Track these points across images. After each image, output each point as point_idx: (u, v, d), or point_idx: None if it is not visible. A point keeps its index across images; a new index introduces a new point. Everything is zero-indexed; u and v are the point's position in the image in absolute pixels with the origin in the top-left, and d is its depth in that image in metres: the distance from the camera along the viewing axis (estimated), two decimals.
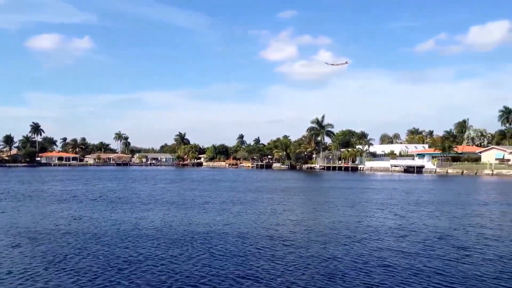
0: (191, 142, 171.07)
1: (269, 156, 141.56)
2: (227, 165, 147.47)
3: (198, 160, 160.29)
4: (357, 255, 15.24)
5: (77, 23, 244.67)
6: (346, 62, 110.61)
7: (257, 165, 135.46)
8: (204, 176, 76.88)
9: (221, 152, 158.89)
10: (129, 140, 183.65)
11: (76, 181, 58.80)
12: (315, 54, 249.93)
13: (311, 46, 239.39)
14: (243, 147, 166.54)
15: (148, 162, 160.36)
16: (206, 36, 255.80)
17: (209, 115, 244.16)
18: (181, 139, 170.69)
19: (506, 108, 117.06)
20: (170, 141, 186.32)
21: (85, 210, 26.99)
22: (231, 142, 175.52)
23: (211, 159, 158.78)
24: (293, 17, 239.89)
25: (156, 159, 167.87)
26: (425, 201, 33.41)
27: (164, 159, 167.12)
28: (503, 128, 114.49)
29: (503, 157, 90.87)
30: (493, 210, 28.47)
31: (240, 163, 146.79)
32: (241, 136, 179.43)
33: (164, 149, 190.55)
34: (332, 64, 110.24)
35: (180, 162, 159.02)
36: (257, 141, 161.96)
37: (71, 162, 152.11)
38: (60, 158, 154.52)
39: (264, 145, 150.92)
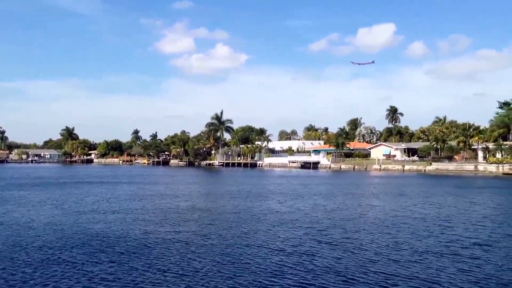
0: (81, 137, 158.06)
1: (166, 153, 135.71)
2: (120, 161, 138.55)
3: (88, 157, 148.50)
4: (217, 250, 14.89)
5: None
6: (373, 61, 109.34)
7: (153, 161, 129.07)
8: (89, 174, 70.43)
9: (115, 148, 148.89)
10: (6, 135, 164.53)
11: None
12: (213, 48, 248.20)
13: (208, 40, 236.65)
14: (139, 142, 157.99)
15: (30, 159, 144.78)
16: (98, 22, 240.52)
17: (101, 109, 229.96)
18: (69, 134, 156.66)
19: (392, 107, 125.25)
20: (56, 136, 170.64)
21: None
22: (126, 138, 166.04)
23: (103, 155, 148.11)
24: (188, 9, 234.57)
25: (38, 155, 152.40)
26: (305, 195, 34.24)
27: (49, 156, 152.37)
28: (390, 125, 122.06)
29: (390, 153, 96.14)
30: (364, 203, 28.99)
31: (135, 159, 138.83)
32: (136, 132, 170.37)
33: (48, 144, 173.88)
34: (359, 63, 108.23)
35: (68, 159, 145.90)
36: (154, 136, 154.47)
37: None
38: None
39: (161, 141, 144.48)
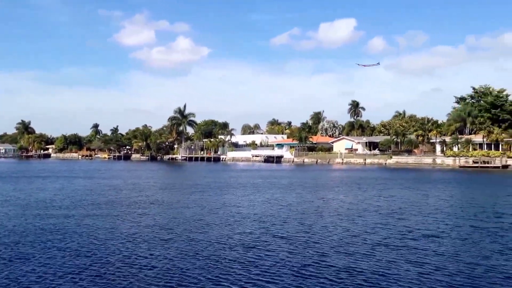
0: (38, 132, 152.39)
1: (127, 147, 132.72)
2: (80, 156, 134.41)
3: (45, 152, 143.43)
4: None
5: None
6: (378, 63, 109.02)
7: (114, 156, 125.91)
8: (45, 169, 67.77)
9: (73, 142, 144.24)
10: None
11: None
12: (174, 41, 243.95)
13: (169, 32, 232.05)
14: (99, 137, 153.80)
15: None
16: (54, 13, 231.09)
17: (59, 102, 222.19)
18: (25, 128, 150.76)
19: (354, 101, 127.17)
20: (11, 130, 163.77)
21: None
22: (86, 132, 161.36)
23: (61, 150, 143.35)
24: (148, 0, 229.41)
25: None
26: (265, 188, 33.97)
27: (3, 150, 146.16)
28: (352, 120, 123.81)
29: (352, 147, 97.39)
30: (322, 196, 28.90)
31: (95, 154, 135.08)
32: (96, 125, 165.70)
33: (3, 139, 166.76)
34: (364, 65, 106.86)
35: (24, 154, 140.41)
36: (114, 130, 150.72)
37: None
38: None
39: (122, 135, 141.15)
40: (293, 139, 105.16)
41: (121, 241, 14.92)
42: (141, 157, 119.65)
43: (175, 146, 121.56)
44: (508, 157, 68.38)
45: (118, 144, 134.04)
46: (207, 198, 27.52)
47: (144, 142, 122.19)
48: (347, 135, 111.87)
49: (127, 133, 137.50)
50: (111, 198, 27.03)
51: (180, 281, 10.77)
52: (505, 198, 28.18)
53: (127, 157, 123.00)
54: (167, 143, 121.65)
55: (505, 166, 65.74)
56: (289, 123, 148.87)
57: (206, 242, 14.84)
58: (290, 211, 22.06)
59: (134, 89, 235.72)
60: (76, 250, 13.59)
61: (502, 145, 72.75)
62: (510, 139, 71.17)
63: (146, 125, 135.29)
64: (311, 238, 15.50)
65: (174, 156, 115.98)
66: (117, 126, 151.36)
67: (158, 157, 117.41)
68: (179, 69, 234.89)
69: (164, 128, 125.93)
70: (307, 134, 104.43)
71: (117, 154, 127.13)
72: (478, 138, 76.74)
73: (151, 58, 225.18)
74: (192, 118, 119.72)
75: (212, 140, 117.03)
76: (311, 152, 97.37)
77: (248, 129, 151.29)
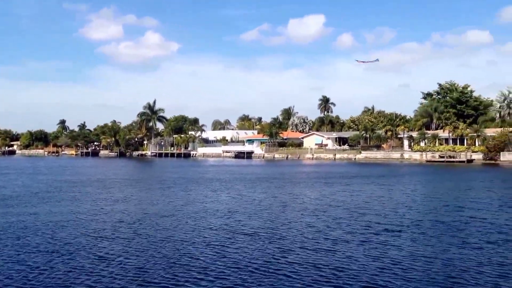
0: (2, 128, 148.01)
1: (96, 143, 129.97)
2: (46, 153, 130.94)
3: (10, 148, 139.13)
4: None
5: None
6: (377, 60, 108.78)
7: (81, 152, 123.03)
8: (7, 166, 65.15)
9: (39, 138, 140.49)
10: None
11: None
12: (142, 36, 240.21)
13: (137, 27, 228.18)
14: (66, 133, 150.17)
15: None
16: (19, 6, 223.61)
17: (24, 97, 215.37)
18: None
19: (324, 97, 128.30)
20: None
21: None
22: (52, 128, 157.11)
23: (27, 146, 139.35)
24: None
25: None
26: (232, 184, 33.64)
27: None
28: (322, 115, 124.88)
29: (322, 142, 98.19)
30: (288, 192, 28.79)
31: (62, 150, 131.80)
32: (63, 121, 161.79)
33: None
34: (364, 62, 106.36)
35: None
36: (82, 126, 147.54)
37: None
38: None
39: (90, 131, 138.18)
40: (263, 135, 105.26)
41: (83, 238, 14.49)
42: (110, 153, 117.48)
43: (145, 142, 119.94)
44: (473, 151, 70.39)
45: (86, 140, 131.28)
46: (173, 194, 27.05)
47: (113, 138, 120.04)
48: (317, 130, 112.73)
49: (95, 129, 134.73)
50: (75, 195, 26.19)
51: (140, 278, 10.47)
52: (466, 192, 28.83)
53: (95, 154, 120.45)
54: (136, 139, 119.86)
55: (470, 161, 67.64)
56: (260, 119, 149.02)
57: (168, 239, 14.49)
58: (255, 206, 21.83)
59: (102, 84, 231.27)
60: (35, 248, 13.10)
61: (467, 140, 74.76)
62: (475, 134, 73.14)
63: (115, 121, 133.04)
64: (274, 234, 15.30)
65: (143, 152, 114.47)
66: (85, 122, 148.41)
67: (127, 154, 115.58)
68: (149, 64, 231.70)
69: (134, 124, 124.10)
70: (277, 129, 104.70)
71: (85, 150, 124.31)
72: (444, 133, 78.60)
73: (119, 53, 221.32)
74: (161, 114, 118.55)
75: (182, 136, 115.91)
76: (281, 148, 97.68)
77: (218, 125, 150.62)
